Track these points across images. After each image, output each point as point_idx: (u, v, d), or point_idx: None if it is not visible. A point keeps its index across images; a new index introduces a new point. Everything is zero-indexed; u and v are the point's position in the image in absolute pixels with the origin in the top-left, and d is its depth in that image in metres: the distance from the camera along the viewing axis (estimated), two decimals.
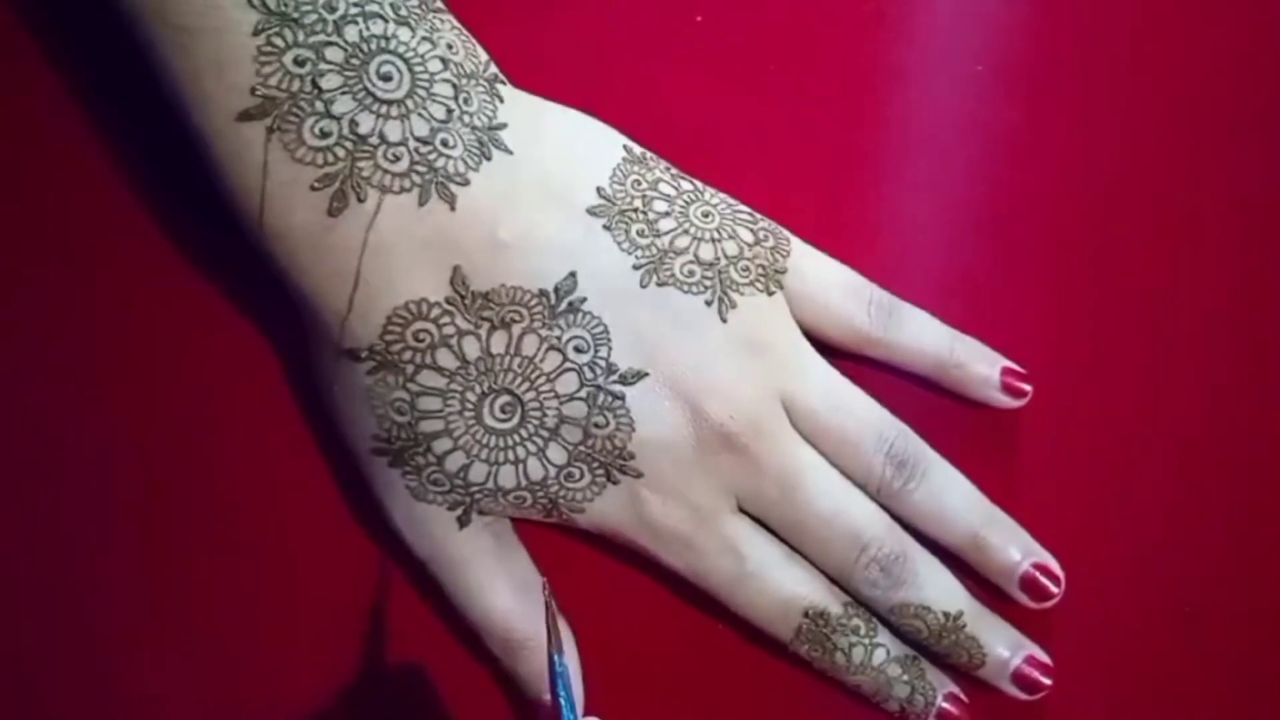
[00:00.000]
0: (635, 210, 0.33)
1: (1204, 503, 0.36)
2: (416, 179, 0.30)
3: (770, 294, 0.34)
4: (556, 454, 0.32)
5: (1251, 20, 0.38)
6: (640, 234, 0.33)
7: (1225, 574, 0.36)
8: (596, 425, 0.32)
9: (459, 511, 0.33)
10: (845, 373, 0.35)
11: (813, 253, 0.35)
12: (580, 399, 0.32)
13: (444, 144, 0.31)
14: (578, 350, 0.32)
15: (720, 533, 0.33)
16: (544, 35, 0.37)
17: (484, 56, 0.33)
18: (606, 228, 0.32)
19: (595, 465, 0.32)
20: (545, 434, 0.32)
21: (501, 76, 0.33)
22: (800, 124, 0.37)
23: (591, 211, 0.32)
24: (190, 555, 0.35)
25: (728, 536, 0.33)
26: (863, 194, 0.37)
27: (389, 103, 0.30)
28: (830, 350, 0.35)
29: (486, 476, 0.32)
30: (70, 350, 0.35)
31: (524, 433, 0.32)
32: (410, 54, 0.30)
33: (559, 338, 0.32)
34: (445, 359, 0.31)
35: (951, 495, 0.34)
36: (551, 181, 0.32)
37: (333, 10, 0.29)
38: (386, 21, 0.30)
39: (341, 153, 0.30)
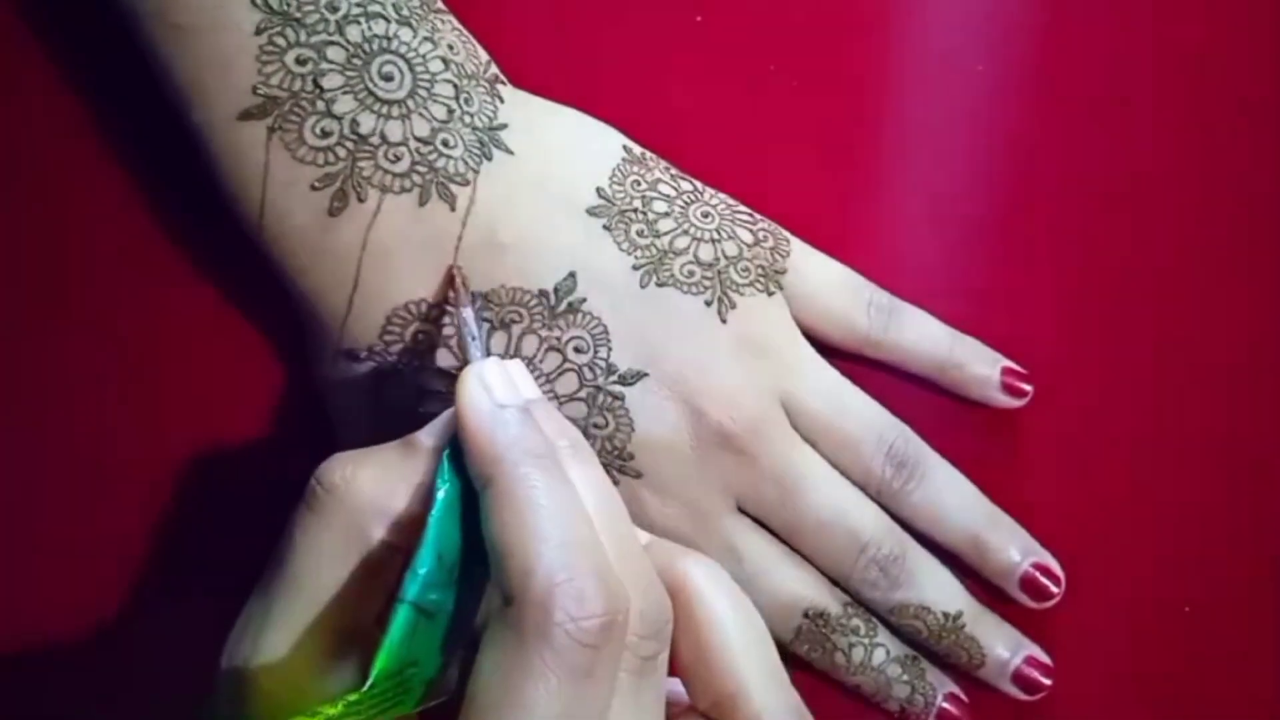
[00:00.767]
0: (635, 211, 0.33)
1: (1204, 502, 0.36)
2: (417, 179, 0.30)
3: (770, 294, 0.34)
4: None
5: (1252, 20, 0.38)
6: (640, 234, 0.33)
7: (1225, 574, 0.36)
8: (596, 426, 0.32)
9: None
10: (845, 373, 0.35)
11: (812, 253, 0.35)
12: (580, 399, 0.32)
13: (444, 144, 0.31)
14: (577, 351, 0.32)
15: (719, 533, 0.33)
16: (544, 35, 0.37)
17: (484, 57, 0.33)
18: (606, 228, 0.32)
19: None
20: None
21: (502, 77, 0.33)
22: (800, 124, 0.37)
23: (591, 212, 0.32)
24: (190, 555, 0.35)
25: (727, 537, 0.33)
26: (863, 194, 0.37)
27: (390, 103, 0.30)
28: (830, 350, 0.35)
29: None
30: (70, 350, 0.35)
31: None
32: (412, 54, 0.30)
33: (559, 338, 0.32)
34: (445, 360, 0.31)
35: (951, 496, 0.34)
36: (551, 182, 0.32)
37: (335, 10, 0.29)
38: (389, 22, 0.30)
39: (342, 152, 0.30)
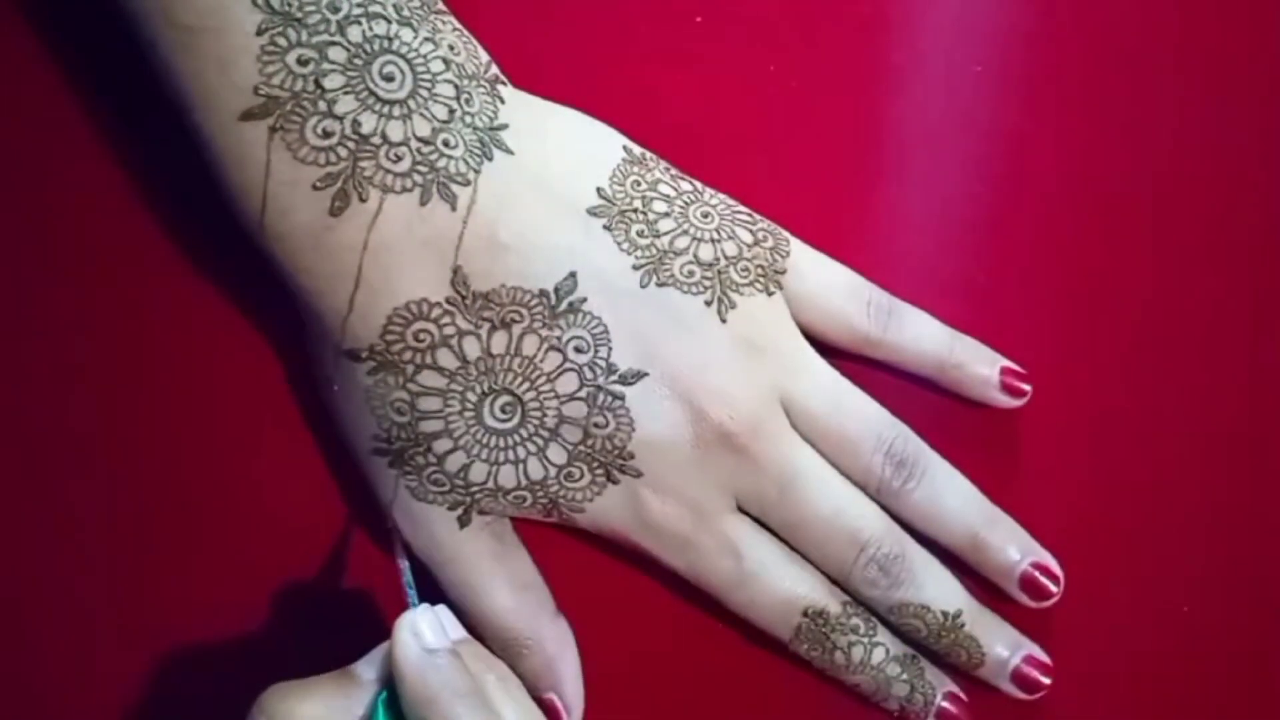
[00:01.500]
0: (635, 211, 0.33)
1: (1204, 502, 0.36)
2: (418, 179, 0.30)
3: (770, 294, 0.34)
4: (556, 454, 0.32)
5: (1252, 20, 0.38)
6: (640, 234, 0.33)
7: (1225, 574, 0.36)
8: (596, 425, 0.32)
9: (459, 511, 0.33)
10: (845, 373, 0.35)
11: (812, 253, 0.35)
12: (580, 399, 0.32)
13: (445, 144, 0.31)
14: (578, 350, 0.32)
15: (720, 532, 0.33)
16: (544, 35, 0.37)
17: (485, 58, 0.33)
18: (606, 228, 0.32)
19: (595, 465, 0.33)
20: (545, 434, 0.32)
21: (502, 77, 0.33)
22: (800, 124, 0.37)
23: (591, 212, 0.32)
24: (190, 555, 0.35)
25: (727, 536, 0.33)
26: (863, 194, 0.37)
27: (391, 103, 0.30)
28: (830, 350, 0.35)
29: (487, 476, 0.32)
30: (70, 350, 0.35)
31: (524, 433, 0.32)
32: (413, 54, 0.30)
33: (559, 338, 0.32)
34: (446, 359, 0.31)
35: (951, 495, 0.35)
36: (552, 182, 0.32)
37: (336, 10, 0.30)
38: (389, 22, 0.30)
39: (344, 152, 0.30)
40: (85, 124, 0.34)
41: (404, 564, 0.32)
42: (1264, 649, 0.36)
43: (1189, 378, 0.37)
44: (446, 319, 0.31)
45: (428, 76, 0.31)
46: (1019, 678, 0.34)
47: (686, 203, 0.34)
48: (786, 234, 0.35)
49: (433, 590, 0.34)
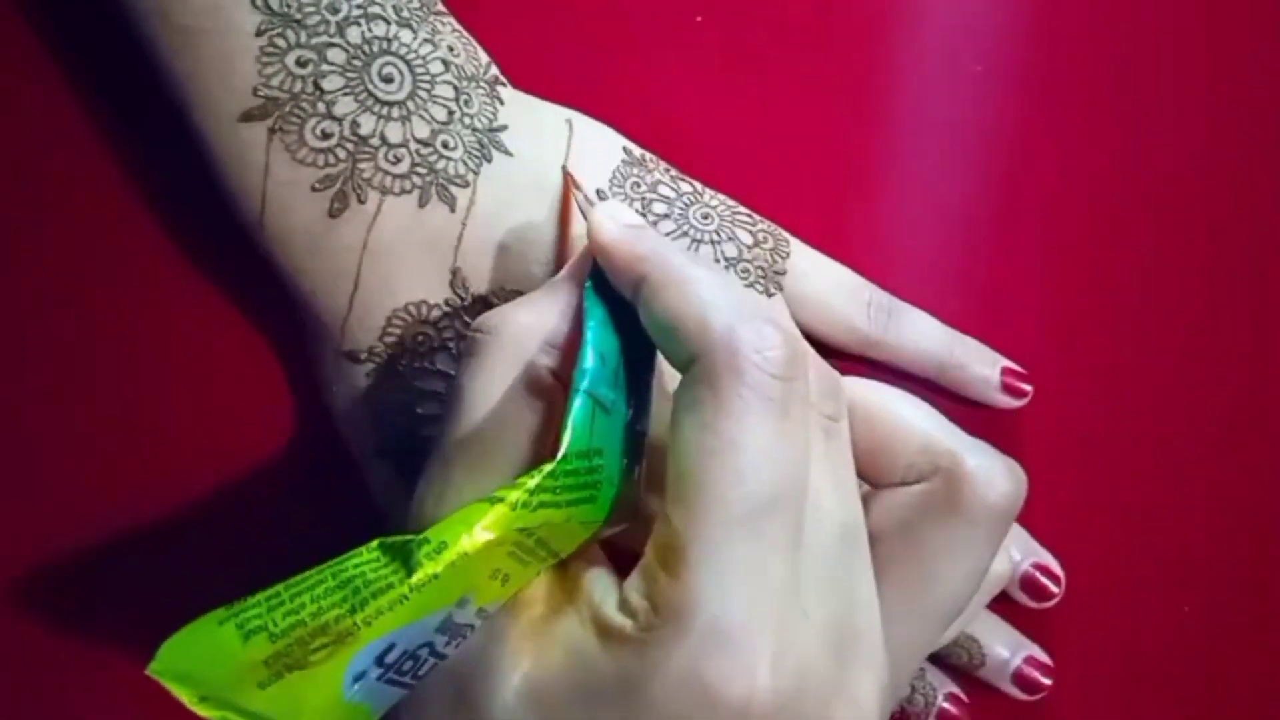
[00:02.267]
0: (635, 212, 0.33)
1: (1204, 503, 0.36)
2: (417, 180, 0.30)
3: (769, 295, 0.34)
4: None
5: (1252, 19, 0.38)
6: None
7: (1225, 574, 0.36)
8: None
9: None
10: (845, 373, 0.35)
11: (812, 254, 0.35)
12: None
13: (444, 146, 0.31)
14: None
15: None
16: (544, 35, 0.37)
17: (484, 59, 0.33)
18: None
19: None
20: None
21: (502, 79, 0.33)
22: (800, 124, 0.37)
23: None
24: (190, 556, 0.35)
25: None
26: (863, 194, 0.37)
27: (390, 104, 0.30)
28: (830, 350, 0.35)
29: None
30: (70, 350, 0.35)
31: None
32: (412, 56, 0.30)
33: None
34: (445, 361, 0.31)
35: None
36: (551, 183, 0.32)
37: (335, 12, 0.29)
38: (389, 23, 0.30)
39: (343, 154, 0.30)
40: (85, 124, 0.34)
41: (583, 180, 0.31)
42: (1264, 649, 0.36)
43: (1189, 378, 0.37)
44: (445, 321, 0.31)
45: (427, 78, 0.31)
46: (1020, 678, 0.34)
47: (686, 204, 0.34)
48: (786, 234, 0.35)
49: None
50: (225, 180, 0.30)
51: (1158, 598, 0.36)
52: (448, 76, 0.31)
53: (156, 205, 0.35)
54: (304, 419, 0.35)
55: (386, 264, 0.30)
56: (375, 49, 0.30)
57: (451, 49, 0.31)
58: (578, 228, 0.31)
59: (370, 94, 0.30)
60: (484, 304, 0.31)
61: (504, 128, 0.32)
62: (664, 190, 0.34)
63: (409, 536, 0.23)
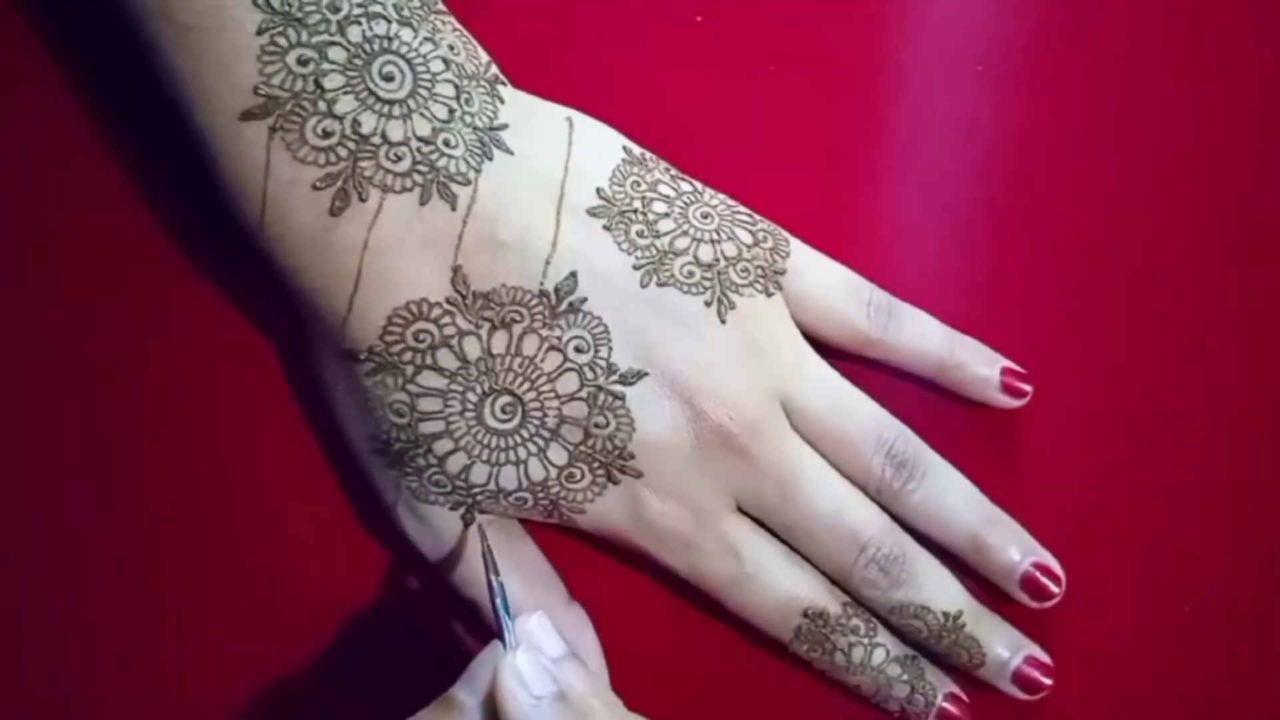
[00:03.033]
0: (635, 211, 0.33)
1: (1204, 502, 0.36)
2: (418, 178, 0.30)
3: (769, 295, 0.34)
4: (557, 454, 0.32)
5: (1252, 19, 0.39)
6: (640, 235, 0.33)
7: (1225, 574, 0.36)
8: (597, 425, 0.32)
9: (461, 511, 0.33)
10: (845, 373, 0.35)
11: (812, 254, 0.35)
12: (581, 399, 0.32)
13: (446, 144, 0.31)
14: (578, 350, 0.32)
15: (720, 533, 0.33)
16: (544, 35, 0.37)
17: (485, 58, 0.33)
18: (606, 228, 0.32)
19: (596, 465, 0.32)
20: (546, 434, 0.32)
21: (502, 78, 0.33)
22: (800, 124, 0.37)
23: (591, 212, 0.32)
24: (191, 555, 0.35)
25: (727, 537, 0.33)
26: (863, 194, 0.37)
27: (391, 102, 0.30)
28: (830, 350, 0.35)
29: (488, 478, 0.32)
30: (70, 350, 0.35)
31: (525, 433, 0.32)
32: (413, 54, 0.30)
33: (559, 338, 0.32)
34: (446, 359, 0.31)
35: (951, 496, 0.34)
36: (551, 182, 0.32)
37: (336, 10, 0.29)
38: (389, 22, 0.30)
39: (344, 152, 0.30)
40: (85, 124, 0.34)
41: (497, 583, 0.31)
42: (1264, 649, 0.36)
43: (1189, 377, 0.37)
44: (447, 319, 0.31)
45: (427, 76, 0.31)
46: (1020, 678, 0.34)
47: (686, 203, 0.34)
48: (786, 234, 0.35)
49: (442, 586, 0.34)
50: (226, 179, 0.30)
51: (1158, 598, 0.36)
52: (448, 75, 0.31)
53: (156, 204, 0.35)
54: (304, 419, 0.35)
55: (387, 262, 0.30)
56: (376, 48, 0.30)
57: (452, 48, 0.32)
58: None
59: (371, 92, 0.30)
60: (485, 302, 0.31)
61: (505, 126, 0.32)
62: (664, 189, 0.34)
63: None
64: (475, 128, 0.31)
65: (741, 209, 0.35)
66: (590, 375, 0.32)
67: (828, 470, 0.34)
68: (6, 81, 0.34)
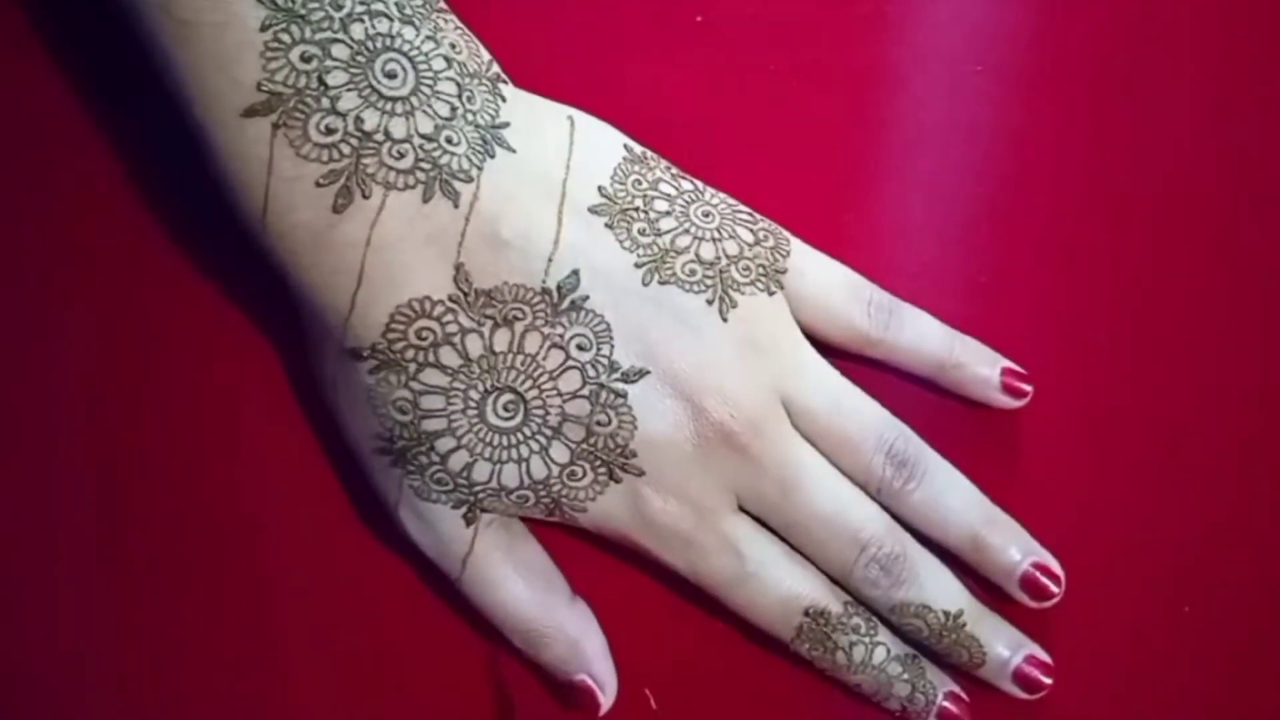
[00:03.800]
0: (636, 209, 0.33)
1: (1204, 502, 0.36)
2: (421, 176, 0.30)
3: (771, 294, 0.34)
4: (559, 452, 0.32)
5: (1252, 19, 0.39)
6: (642, 233, 0.33)
7: (1225, 574, 0.36)
8: (599, 423, 0.32)
9: (463, 510, 0.33)
10: (845, 373, 0.35)
11: (812, 253, 0.35)
12: (583, 397, 0.32)
13: (448, 141, 0.31)
14: (580, 348, 0.32)
15: (720, 532, 0.33)
16: (544, 35, 0.37)
17: (486, 56, 0.33)
18: (608, 226, 0.32)
19: (598, 463, 0.32)
20: (548, 432, 0.32)
21: (504, 76, 0.33)
22: (800, 124, 0.37)
23: (593, 210, 0.32)
24: (192, 555, 0.34)
25: (728, 535, 0.33)
26: (863, 194, 0.37)
27: (394, 100, 0.30)
28: (830, 350, 0.35)
29: (490, 475, 0.32)
30: (70, 349, 0.34)
31: (527, 431, 0.32)
32: (415, 52, 0.30)
33: (562, 335, 0.32)
34: (448, 357, 0.31)
35: (952, 496, 0.35)
36: (553, 180, 0.32)
37: (339, 8, 0.29)
38: (392, 20, 0.30)
39: (346, 149, 0.30)
40: (85, 122, 0.34)
41: None
42: (1264, 649, 0.36)
43: (1189, 377, 0.37)
44: (449, 316, 0.31)
45: (430, 74, 0.31)
46: (1020, 677, 0.34)
47: (688, 201, 0.34)
48: (787, 234, 0.35)
49: (444, 586, 0.34)
50: (227, 176, 0.30)
51: (1158, 598, 0.36)
52: (450, 73, 0.31)
53: (157, 203, 0.35)
54: (306, 417, 0.35)
55: (390, 259, 0.30)
56: (379, 45, 0.30)
57: (454, 46, 0.32)
58: None
59: (374, 89, 0.30)
60: (487, 299, 0.31)
61: (506, 124, 0.32)
62: (665, 188, 0.34)
63: None
64: (477, 125, 0.31)
65: (742, 208, 0.35)
66: (592, 373, 0.32)
67: (829, 469, 0.34)
68: (6, 79, 0.34)
